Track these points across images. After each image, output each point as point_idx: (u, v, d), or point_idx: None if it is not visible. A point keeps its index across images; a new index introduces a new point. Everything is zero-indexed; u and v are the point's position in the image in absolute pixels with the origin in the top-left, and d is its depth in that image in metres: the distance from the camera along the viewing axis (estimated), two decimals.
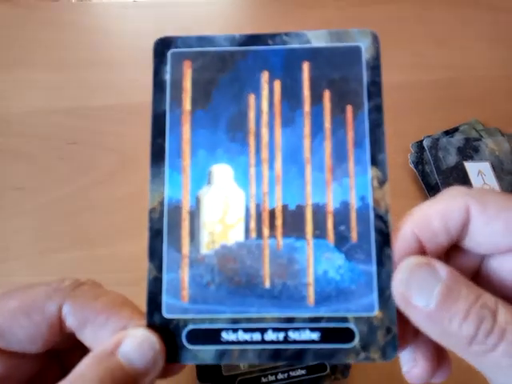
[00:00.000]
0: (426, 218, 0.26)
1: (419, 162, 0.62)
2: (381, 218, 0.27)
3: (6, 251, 0.53)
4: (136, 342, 0.25)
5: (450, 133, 0.64)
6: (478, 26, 0.75)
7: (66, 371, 0.26)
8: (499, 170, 0.61)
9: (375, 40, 0.28)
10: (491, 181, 0.60)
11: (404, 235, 0.26)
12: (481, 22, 0.75)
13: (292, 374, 0.45)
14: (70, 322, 0.27)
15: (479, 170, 0.61)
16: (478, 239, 0.26)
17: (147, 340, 0.25)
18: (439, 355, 0.27)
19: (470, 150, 0.62)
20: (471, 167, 0.61)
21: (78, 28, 0.70)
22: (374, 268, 0.26)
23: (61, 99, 0.63)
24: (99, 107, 0.63)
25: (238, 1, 0.80)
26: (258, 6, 0.77)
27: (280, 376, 0.45)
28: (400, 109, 0.63)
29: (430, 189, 0.60)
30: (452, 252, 0.27)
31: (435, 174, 0.60)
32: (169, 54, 0.28)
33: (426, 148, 0.62)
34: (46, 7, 0.71)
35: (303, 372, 0.45)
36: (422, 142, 0.63)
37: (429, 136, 0.63)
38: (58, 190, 0.57)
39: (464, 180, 0.60)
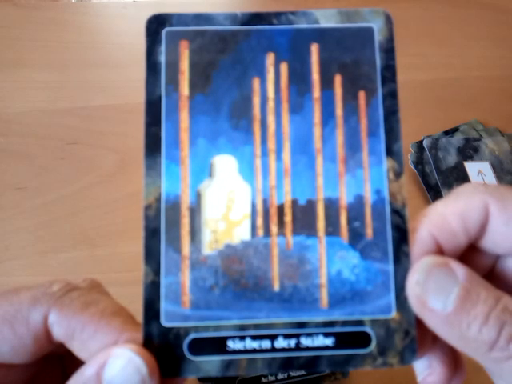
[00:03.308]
0: (444, 218, 0.23)
1: (419, 162, 0.60)
2: (397, 213, 0.24)
3: (6, 251, 0.52)
4: (120, 365, 0.21)
5: (449, 133, 0.63)
6: (478, 25, 0.74)
7: (66, 373, 0.24)
8: (499, 170, 0.60)
9: (388, 20, 0.25)
10: (491, 181, 0.59)
11: (421, 237, 0.24)
12: (481, 21, 0.74)
13: (292, 373, 0.44)
14: (57, 333, 0.23)
15: (479, 170, 0.60)
16: (497, 239, 0.24)
17: (132, 362, 0.21)
18: (455, 360, 0.25)
19: (469, 150, 0.61)
20: (471, 167, 0.60)
21: (78, 28, 0.68)
22: (390, 267, 0.24)
23: (61, 99, 0.62)
24: (99, 107, 0.61)
25: (238, 1, 0.77)
26: (258, 7, 0.75)
27: (280, 376, 0.44)
28: (400, 108, 0.61)
29: (430, 189, 0.59)
30: (466, 251, 0.25)
31: (435, 173, 0.59)
32: (163, 32, 0.25)
33: (425, 148, 0.60)
34: (46, 7, 0.69)
35: (303, 372, 0.43)
36: (421, 142, 0.61)
37: (429, 136, 0.62)
38: (58, 190, 0.56)
39: (464, 180, 0.59)
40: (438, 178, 0.58)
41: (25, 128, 0.59)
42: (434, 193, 0.58)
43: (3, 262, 0.51)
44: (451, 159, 0.60)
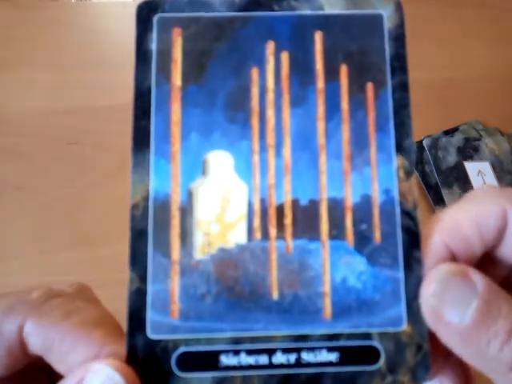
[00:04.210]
0: (457, 225, 0.21)
1: (419, 161, 0.59)
2: (408, 215, 0.21)
3: (6, 251, 0.51)
4: (98, 383, 0.19)
5: (449, 133, 0.62)
6: (478, 25, 0.72)
7: (53, 380, 0.22)
8: (499, 170, 0.58)
9: (399, 7, 0.23)
10: (491, 181, 0.57)
11: (433, 245, 0.21)
12: (481, 21, 0.72)
13: None
14: (33, 344, 0.21)
15: (479, 170, 0.58)
16: None
17: (111, 380, 0.19)
18: (467, 377, 0.22)
19: (469, 149, 0.60)
20: (471, 167, 0.58)
21: (78, 28, 0.66)
22: (401, 274, 0.21)
23: (61, 99, 0.60)
24: (99, 107, 0.60)
25: None
26: None
27: None
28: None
29: (430, 189, 0.57)
30: (480, 260, 0.23)
31: (435, 173, 0.57)
32: (155, 19, 0.22)
33: (425, 148, 0.59)
34: (46, 7, 0.67)
35: None
36: (421, 141, 0.60)
37: (429, 136, 0.60)
38: (58, 190, 0.55)
39: (464, 180, 0.57)
40: (437, 178, 0.57)
41: (25, 128, 0.58)
42: (434, 193, 0.57)
43: (3, 262, 0.50)
44: (451, 159, 0.58)
